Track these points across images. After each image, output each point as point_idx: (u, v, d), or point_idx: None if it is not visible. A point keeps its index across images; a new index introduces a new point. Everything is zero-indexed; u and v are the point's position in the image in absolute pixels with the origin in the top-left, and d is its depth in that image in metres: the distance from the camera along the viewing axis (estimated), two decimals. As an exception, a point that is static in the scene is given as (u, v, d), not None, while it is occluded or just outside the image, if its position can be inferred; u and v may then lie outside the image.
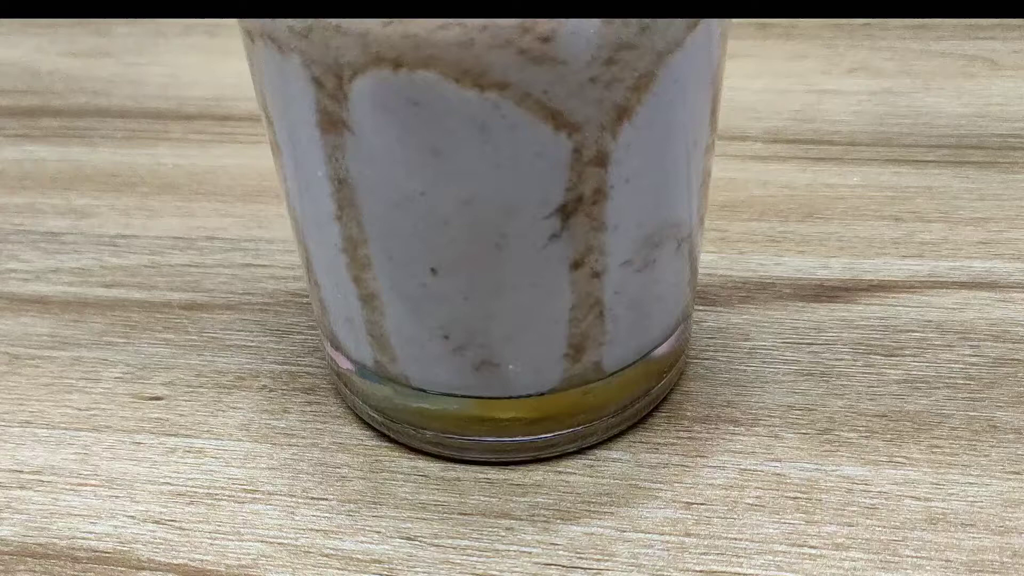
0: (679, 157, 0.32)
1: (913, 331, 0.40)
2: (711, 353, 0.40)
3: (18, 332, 0.43)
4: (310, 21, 0.27)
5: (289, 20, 0.28)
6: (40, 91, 0.62)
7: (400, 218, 0.30)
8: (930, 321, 0.41)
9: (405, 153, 0.29)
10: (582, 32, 0.27)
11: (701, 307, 0.42)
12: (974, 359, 0.39)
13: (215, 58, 0.63)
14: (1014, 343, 0.39)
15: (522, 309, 0.32)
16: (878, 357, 0.39)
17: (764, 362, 0.39)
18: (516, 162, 0.29)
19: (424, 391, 0.35)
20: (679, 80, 0.30)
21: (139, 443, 0.37)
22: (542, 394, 0.34)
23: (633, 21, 0.27)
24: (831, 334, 0.40)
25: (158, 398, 0.39)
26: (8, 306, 0.44)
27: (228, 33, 0.67)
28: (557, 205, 0.30)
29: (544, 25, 0.26)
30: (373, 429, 0.37)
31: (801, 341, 0.40)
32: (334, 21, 0.27)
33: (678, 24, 0.29)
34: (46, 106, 0.60)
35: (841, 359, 0.39)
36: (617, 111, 0.29)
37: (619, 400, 0.36)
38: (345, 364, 0.37)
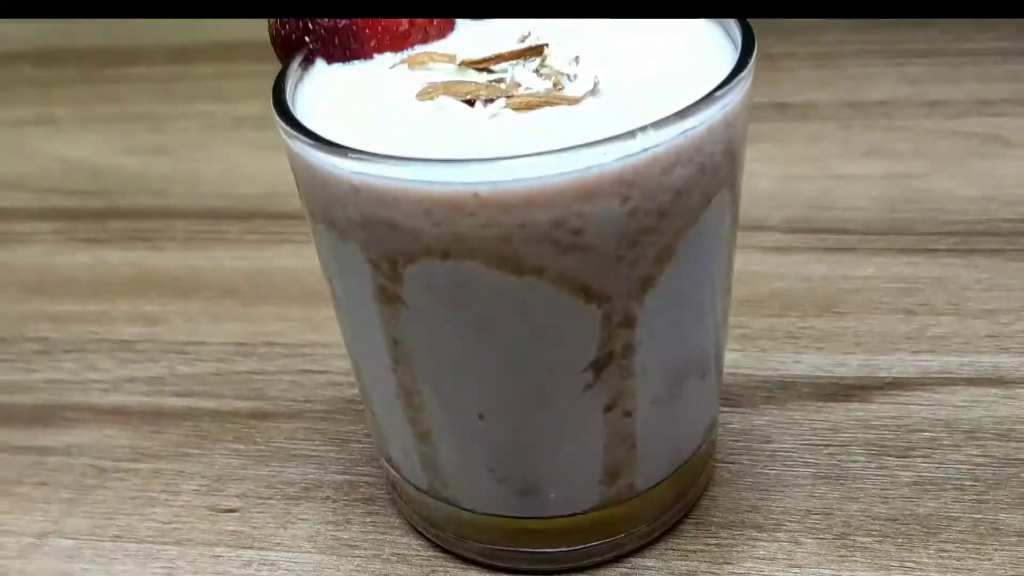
0: (700, 310, 0.35)
1: (924, 431, 0.43)
2: (736, 456, 0.43)
3: (103, 444, 0.47)
4: (367, 215, 0.31)
5: (349, 212, 0.32)
6: (105, 192, 0.66)
7: (450, 373, 0.34)
8: (940, 420, 0.44)
9: (454, 324, 0.33)
10: (608, 224, 0.30)
11: (727, 409, 0.45)
12: (980, 459, 0.42)
13: (265, 153, 0.67)
14: (1018, 442, 0.42)
15: (561, 447, 0.36)
16: (890, 458, 0.42)
17: (785, 465, 0.43)
18: (553, 329, 0.32)
19: (473, 511, 0.38)
20: (696, 250, 0.33)
21: (218, 556, 0.41)
22: (580, 514, 0.38)
23: (653, 208, 0.31)
24: (847, 435, 0.43)
25: (233, 510, 0.43)
26: (92, 417, 0.48)
27: (275, 126, 0.71)
28: (590, 361, 0.33)
29: (574, 220, 0.30)
30: (428, 539, 0.41)
31: (819, 443, 0.43)
32: (388, 218, 0.31)
33: (694, 205, 0.32)
34: (112, 207, 0.64)
35: (856, 460, 0.42)
36: (641, 282, 0.32)
37: (651, 512, 0.39)
38: (400, 481, 0.40)
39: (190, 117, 0.74)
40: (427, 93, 0.34)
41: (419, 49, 0.37)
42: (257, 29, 0.84)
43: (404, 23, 0.37)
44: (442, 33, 0.38)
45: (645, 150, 0.30)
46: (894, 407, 0.45)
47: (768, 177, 0.60)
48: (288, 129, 0.33)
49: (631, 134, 0.29)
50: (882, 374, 0.46)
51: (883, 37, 0.72)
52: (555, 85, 0.34)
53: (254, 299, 0.55)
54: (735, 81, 0.32)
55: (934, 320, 0.49)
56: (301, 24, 0.36)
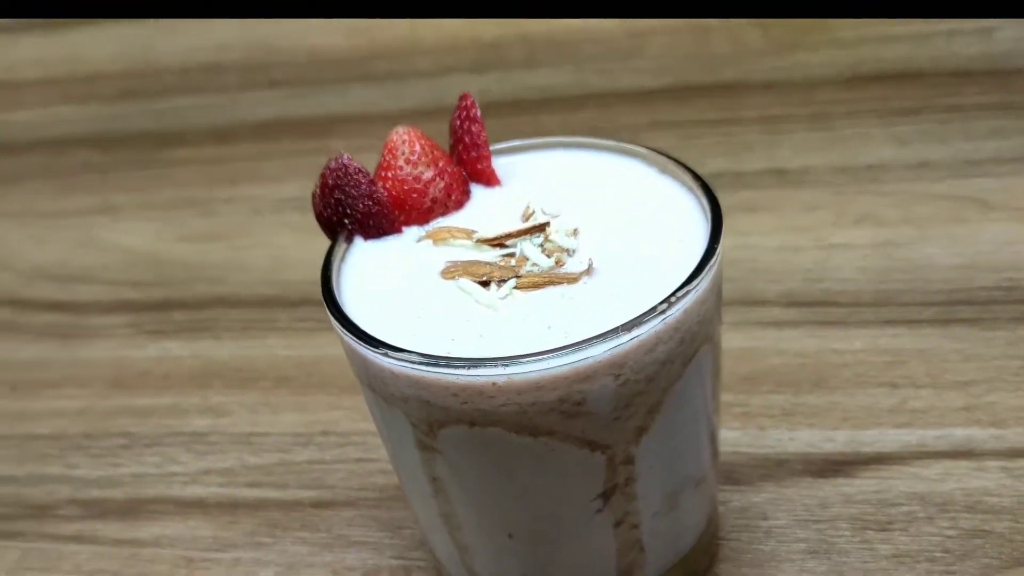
0: (689, 440, 0.42)
1: (901, 504, 0.49)
2: (736, 533, 0.50)
3: (188, 536, 0.54)
4: (405, 392, 0.38)
5: (389, 388, 0.38)
6: (166, 282, 0.73)
7: (481, 505, 0.41)
8: (916, 493, 0.50)
9: (482, 471, 0.39)
10: (605, 395, 0.37)
11: (728, 487, 0.52)
12: (950, 532, 0.48)
13: (307, 237, 0.73)
14: (984, 513, 0.48)
15: (580, 557, 0.42)
16: (871, 532, 0.48)
17: (779, 541, 0.49)
18: (565, 473, 0.39)
19: (509, 603, 0.45)
20: (682, 398, 0.39)
21: (295, 641, 0.48)
22: (600, 604, 0.45)
23: (641, 378, 0.37)
24: (833, 510, 0.50)
25: (304, 596, 0.50)
26: (177, 510, 0.56)
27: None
28: (598, 493, 0.40)
29: (576, 396, 0.36)
30: (472, 621, 0.48)
31: (809, 518, 0.49)
32: (423, 396, 0.37)
33: (676, 368, 0.38)
34: (173, 298, 0.71)
35: (841, 535, 0.48)
36: (637, 431, 0.39)
37: (662, 595, 0.46)
38: (446, 575, 0.47)
39: (236, 201, 0.80)
40: (450, 272, 0.40)
41: (441, 222, 0.43)
42: (293, 107, 0.90)
43: (427, 202, 0.43)
44: (459, 205, 0.44)
45: (631, 339, 0.36)
46: (876, 481, 0.51)
47: (766, 250, 0.66)
48: (334, 321, 0.39)
49: (617, 330, 0.35)
50: (866, 449, 0.52)
51: (874, 94, 0.77)
52: (557, 263, 0.40)
53: (307, 388, 0.62)
54: (705, 271, 0.37)
55: (914, 393, 0.55)
56: (340, 209, 0.43)
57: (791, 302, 0.62)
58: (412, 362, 0.36)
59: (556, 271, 0.40)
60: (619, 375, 0.37)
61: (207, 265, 0.74)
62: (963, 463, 0.51)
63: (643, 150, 0.45)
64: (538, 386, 0.36)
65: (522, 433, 0.37)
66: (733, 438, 0.54)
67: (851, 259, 0.64)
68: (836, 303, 0.61)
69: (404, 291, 0.40)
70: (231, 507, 0.55)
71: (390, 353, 0.37)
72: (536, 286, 0.39)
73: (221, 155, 0.87)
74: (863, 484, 0.51)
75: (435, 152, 0.44)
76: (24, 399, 0.65)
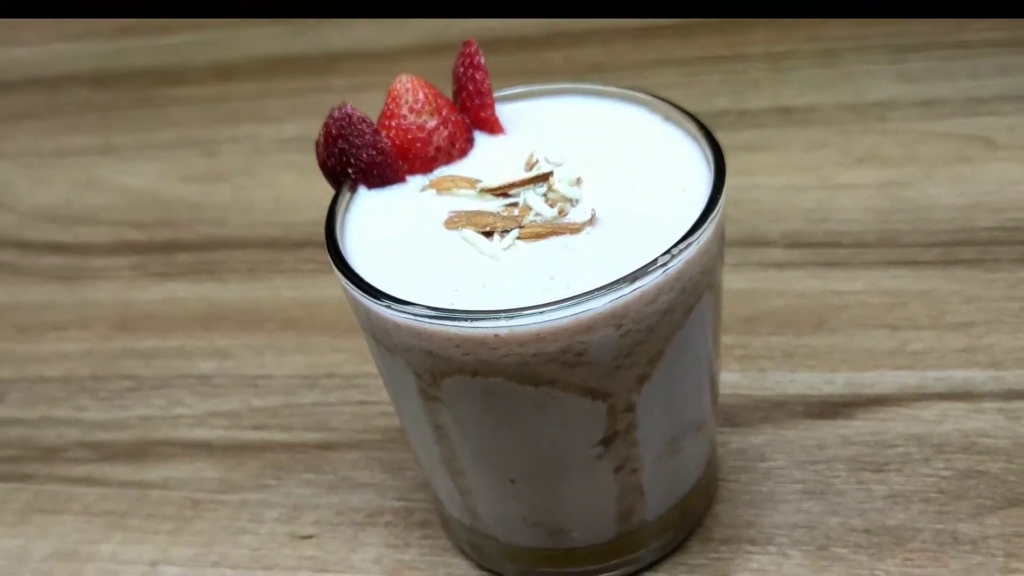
0: (690, 387, 0.42)
1: (898, 446, 0.50)
2: (735, 475, 0.50)
3: (195, 478, 0.55)
4: (407, 343, 0.38)
5: (392, 338, 0.38)
6: (170, 223, 0.73)
7: (484, 452, 0.42)
8: (913, 435, 0.50)
9: (484, 420, 0.40)
10: (606, 345, 0.37)
11: (727, 429, 0.52)
12: (946, 472, 0.48)
13: (309, 177, 0.73)
14: (979, 454, 0.49)
15: (580, 500, 0.43)
16: (867, 473, 0.49)
17: (777, 482, 0.50)
18: (566, 421, 0.39)
19: (510, 543, 0.46)
20: (683, 346, 0.40)
21: (301, 580, 0.50)
22: (601, 543, 0.46)
23: (643, 328, 0.37)
24: (831, 451, 0.50)
25: (309, 536, 0.51)
26: (184, 452, 0.57)
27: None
28: (599, 439, 0.40)
29: (577, 347, 0.37)
30: (474, 561, 0.49)
31: (806, 460, 0.50)
32: (425, 347, 0.37)
33: (678, 317, 0.38)
34: (178, 240, 0.72)
35: (838, 476, 0.49)
36: (638, 379, 0.39)
37: (661, 534, 0.47)
38: (447, 513, 0.48)
39: (238, 140, 0.80)
40: (453, 223, 0.41)
41: (445, 171, 0.43)
42: (293, 43, 0.89)
43: (431, 151, 0.43)
44: (463, 153, 0.44)
45: (632, 291, 0.36)
46: (874, 423, 0.51)
47: (770, 189, 0.65)
48: (339, 273, 0.39)
49: (619, 282, 0.35)
50: (865, 391, 0.53)
51: (883, 31, 0.76)
52: (560, 213, 0.40)
53: (311, 330, 0.63)
54: (707, 222, 0.37)
55: (915, 335, 0.55)
56: (344, 159, 0.42)
57: (793, 243, 0.62)
58: (415, 314, 0.36)
59: (559, 221, 0.40)
60: (620, 326, 0.37)
61: (210, 206, 0.74)
62: (961, 405, 0.51)
63: (647, 97, 0.44)
64: (539, 337, 0.36)
65: (524, 383, 0.38)
66: (733, 380, 0.54)
67: (855, 199, 0.64)
68: (839, 244, 0.61)
69: (408, 241, 0.40)
70: (237, 449, 0.56)
71: (393, 305, 0.37)
72: (539, 236, 0.39)
73: (222, 93, 0.86)
74: (861, 426, 0.51)
75: (439, 100, 0.43)
76: (31, 342, 0.66)
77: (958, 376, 0.53)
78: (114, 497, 0.55)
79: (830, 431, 0.51)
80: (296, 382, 0.60)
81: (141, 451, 0.57)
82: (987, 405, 0.51)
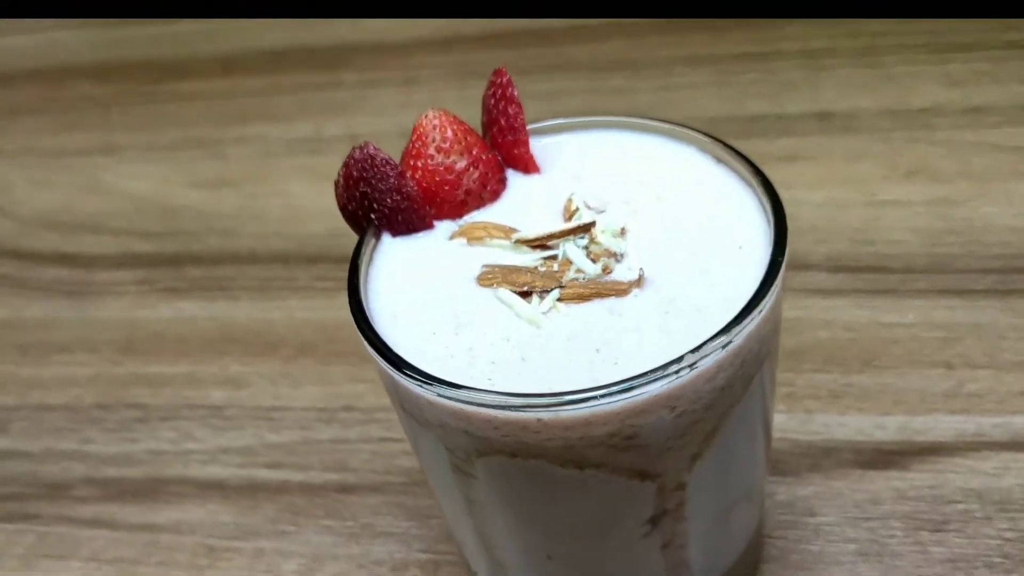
0: (745, 458, 0.39)
1: (957, 502, 0.47)
2: (783, 531, 0.47)
3: (208, 521, 0.52)
4: (442, 420, 0.35)
5: (425, 413, 0.35)
6: (177, 232, 0.70)
7: (520, 528, 0.38)
8: (973, 489, 0.47)
9: (522, 498, 0.37)
10: (659, 427, 0.34)
11: (774, 478, 0.49)
12: (1009, 534, 0.45)
13: (321, 184, 0.70)
14: (1046, 512, 0.46)
15: (623, 576, 0.40)
16: (925, 533, 0.46)
17: (828, 541, 0.46)
18: (612, 501, 0.36)
19: (546, 611, 0.43)
20: (740, 420, 0.36)
21: (323, 640, 0.47)
22: (642, 614, 0.43)
23: (699, 407, 0.34)
24: (886, 507, 0.47)
25: (330, 591, 0.48)
26: (196, 492, 0.54)
27: (328, 149, 0.74)
28: (647, 519, 0.37)
29: (628, 430, 0.33)
30: (506, 622, 0.46)
31: (859, 516, 0.47)
32: (461, 426, 0.34)
33: (737, 391, 0.35)
34: (186, 252, 0.68)
35: (894, 535, 0.46)
36: (690, 458, 0.36)
37: (707, 600, 0.44)
38: None
39: (246, 141, 0.76)
40: (488, 279, 0.37)
41: (476, 216, 0.40)
42: (301, 35, 0.85)
43: (461, 194, 0.39)
44: (495, 196, 0.40)
45: (690, 370, 0.33)
46: (930, 475, 0.48)
47: (811, 206, 0.62)
48: (366, 343, 0.36)
49: (676, 363, 0.32)
50: (919, 438, 0.49)
51: (925, 28, 0.71)
52: (604, 269, 0.37)
53: (328, 357, 0.59)
54: (771, 289, 0.34)
55: (970, 375, 0.52)
56: (366, 203, 0.39)
57: (838, 266, 0.58)
58: (451, 397, 0.33)
59: (603, 280, 0.36)
60: (675, 407, 0.33)
61: (219, 215, 0.70)
62: (1023, 456, 0.48)
63: (697, 135, 0.41)
64: (587, 422, 0.33)
65: (567, 465, 0.34)
66: (779, 422, 0.51)
67: (903, 218, 0.60)
68: (887, 268, 0.58)
69: (438, 300, 0.37)
70: (251, 490, 0.53)
71: (428, 383, 0.33)
72: (582, 298, 0.36)
73: (228, 88, 0.82)
74: (916, 478, 0.48)
75: (468, 138, 0.40)
76: (34, 365, 0.63)
77: (1019, 423, 0.49)
78: (124, 542, 0.52)
79: (883, 483, 0.48)
80: (312, 415, 0.56)
81: (151, 490, 0.54)
82: (1052, 455, 0.48)
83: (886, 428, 0.50)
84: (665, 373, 0.32)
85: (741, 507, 0.41)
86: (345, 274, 0.38)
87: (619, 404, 0.33)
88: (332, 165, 0.75)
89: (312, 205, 0.69)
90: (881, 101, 0.68)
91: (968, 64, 0.69)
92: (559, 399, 0.32)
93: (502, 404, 0.33)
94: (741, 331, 0.33)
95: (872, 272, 0.58)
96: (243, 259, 0.67)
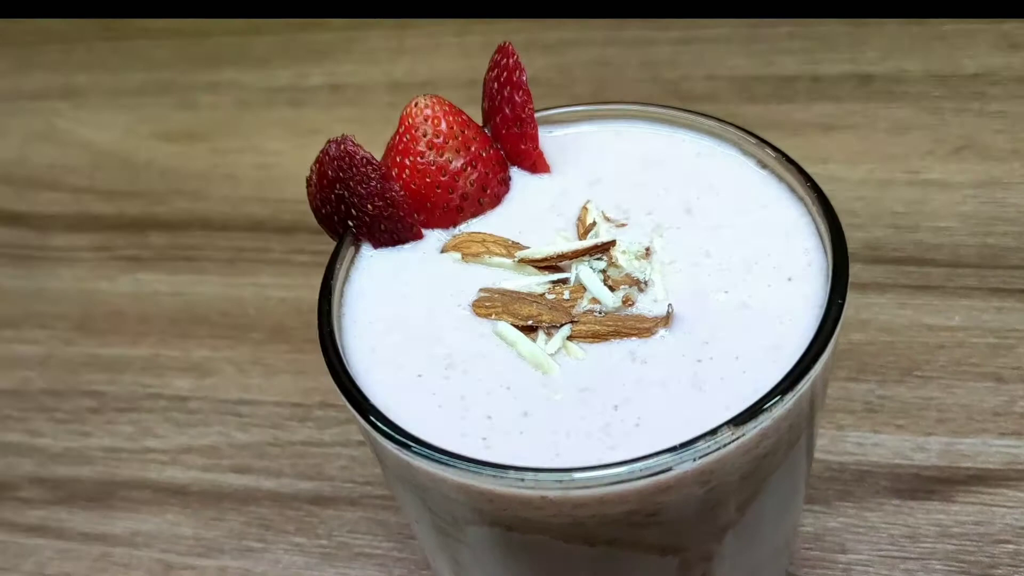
0: (779, 520, 0.33)
1: (1007, 542, 0.41)
2: (808, 569, 0.42)
3: (167, 533, 0.47)
4: (429, 487, 0.29)
5: (409, 477, 0.29)
6: (141, 193, 0.63)
7: (516, 593, 0.33)
8: (1025, 527, 0.42)
9: (519, 571, 0.31)
10: (687, 504, 0.28)
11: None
12: (1066, 582, 0.40)
13: (301, 139, 0.63)
14: (1109, 559, 0.41)
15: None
16: (971, 577, 0.41)
17: (860, 582, 0.41)
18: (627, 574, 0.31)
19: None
20: (779, 483, 0.31)
21: None
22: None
23: (734, 479, 0.28)
24: (926, 545, 0.42)
25: (301, 621, 0.43)
26: (154, 499, 0.48)
27: (310, 101, 0.66)
28: (665, 591, 0.32)
29: (650, 508, 0.28)
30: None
31: (896, 554, 0.42)
32: (452, 492, 0.28)
33: (777, 460, 0.29)
34: (150, 215, 0.61)
35: (935, 578, 0.41)
36: (720, 530, 0.30)
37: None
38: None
39: (221, 89, 0.69)
40: (485, 307, 0.31)
41: (473, 224, 0.33)
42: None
43: (455, 199, 0.33)
44: (496, 200, 0.34)
45: (729, 443, 0.27)
46: (977, 508, 0.43)
47: (848, 183, 0.55)
48: (340, 393, 0.30)
49: (712, 435, 0.26)
50: (965, 463, 0.44)
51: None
52: (625, 301, 0.30)
53: (304, 344, 0.53)
54: (831, 342, 0.28)
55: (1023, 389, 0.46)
56: (342, 207, 0.33)
57: (877, 257, 0.52)
58: (438, 462, 0.27)
59: (624, 315, 0.30)
60: (707, 482, 0.28)
61: (186, 174, 0.63)
62: (1083, 489, 0.43)
63: (736, 133, 0.34)
64: (601, 501, 0.27)
65: (574, 541, 0.29)
66: (806, 439, 0.46)
67: (950, 202, 0.54)
68: (931, 261, 0.51)
69: (426, 332, 0.31)
70: (215, 498, 0.48)
71: (413, 446, 0.28)
72: (597, 337, 0.30)
73: (201, 27, 0.74)
74: (961, 511, 0.43)
75: (466, 132, 0.33)
76: (-23, 341, 0.57)
77: (1079, 448, 0.44)
78: (73, 554, 0.47)
79: (923, 516, 0.43)
80: (285, 412, 0.51)
81: (105, 494, 0.49)
82: (1115, 491, 0.43)
83: (927, 450, 0.45)
84: (697, 447, 0.26)
85: (770, 563, 0.36)
86: (325, 246, 0.32)
87: (640, 483, 0.27)
88: (313, 120, 0.68)
89: (290, 165, 0.62)
90: (929, 64, 0.61)
91: (1026, 23, 0.62)
92: (568, 476, 0.26)
93: (499, 477, 0.27)
94: (795, 394, 0.27)
95: (915, 265, 0.51)
96: (212, 225, 0.60)
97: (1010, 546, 0.41)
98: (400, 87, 0.67)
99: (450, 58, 0.68)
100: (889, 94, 0.60)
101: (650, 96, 0.63)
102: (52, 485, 0.50)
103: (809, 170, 0.59)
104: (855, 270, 0.51)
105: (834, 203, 0.54)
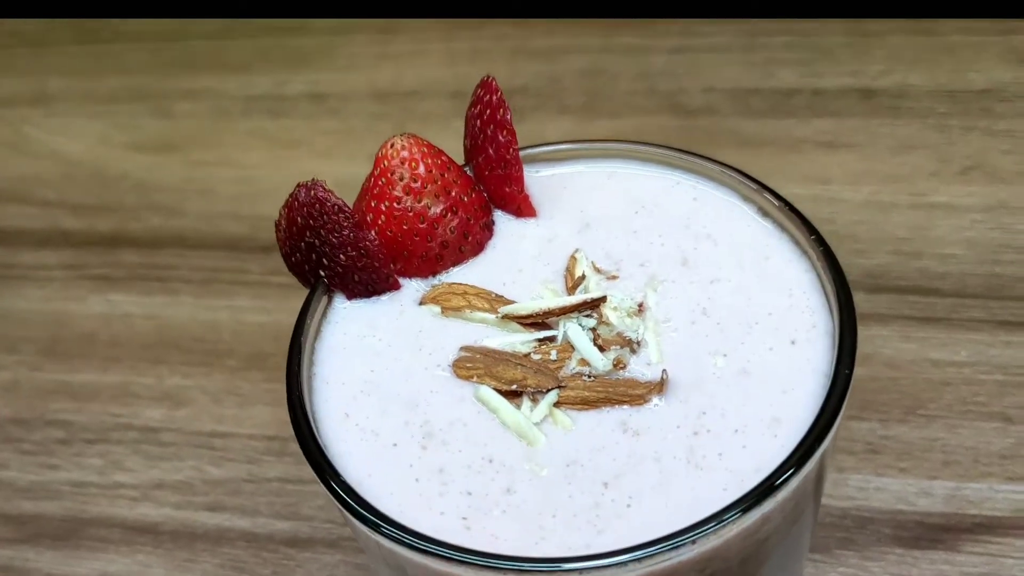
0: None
1: (1016, 596, 0.40)
2: (807, 626, 0.40)
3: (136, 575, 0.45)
4: (403, 563, 0.27)
5: (376, 552, 0.27)
6: (113, 207, 0.60)
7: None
8: (1034, 579, 0.40)
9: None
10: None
11: (797, 552, 0.42)
12: (1077, 640, 0.38)
13: (281, 151, 0.61)
14: (1121, 616, 0.39)
15: None
16: (979, 637, 0.39)
17: (861, 641, 0.40)
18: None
19: None
20: (779, 564, 0.29)
21: None
22: None
23: (734, 563, 0.26)
24: (931, 601, 0.40)
25: (276, 675, 0.41)
26: (122, 537, 0.46)
27: (290, 111, 0.64)
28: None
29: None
30: None
31: (900, 612, 0.40)
32: (431, 573, 0.26)
33: (780, 535, 0.27)
34: (122, 232, 0.59)
35: (941, 638, 0.39)
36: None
37: None
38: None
39: (197, 96, 0.66)
40: (466, 369, 0.29)
41: (454, 273, 0.31)
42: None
43: (435, 247, 0.31)
44: (478, 248, 0.32)
45: (729, 528, 0.25)
46: (983, 560, 0.41)
47: (850, 205, 0.53)
48: (310, 466, 0.28)
49: (712, 521, 0.24)
50: (971, 511, 0.42)
51: (990, -10, 0.62)
52: (616, 364, 0.28)
53: (281, 372, 0.51)
54: (838, 417, 0.26)
55: (1032, 431, 0.44)
56: (313, 256, 0.30)
57: (879, 286, 0.50)
58: (412, 547, 0.25)
59: (615, 379, 0.28)
60: (705, 569, 0.26)
61: (161, 187, 0.61)
62: (1095, 538, 0.41)
63: (735, 177, 0.32)
64: (591, 593, 0.25)
65: (562, 629, 0.27)
66: (805, 481, 0.44)
67: (956, 226, 0.52)
68: (937, 291, 0.49)
69: (403, 397, 0.29)
70: (188, 538, 0.46)
71: (385, 528, 0.25)
72: (587, 404, 0.28)
73: (177, 29, 0.71)
74: (966, 561, 0.41)
75: (446, 175, 0.31)
76: (-59, 365, 0.54)
77: (1090, 495, 0.42)
78: (37, 598, 0.45)
79: (928, 567, 0.41)
80: (261, 446, 0.48)
81: (73, 532, 0.47)
82: None
83: (932, 496, 0.43)
84: (694, 534, 0.24)
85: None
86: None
87: (633, 573, 0.25)
88: (295, 130, 0.66)
89: (268, 179, 0.60)
90: (936, 78, 0.59)
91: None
92: (554, 567, 0.24)
93: (481, 563, 0.25)
94: (800, 475, 0.25)
95: (919, 294, 0.49)
96: (187, 243, 0.58)
97: (1019, 600, 0.40)
98: (385, 96, 0.64)
99: (436, 65, 0.66)
100: (893, 110, 0.58)
101: (645, 109, 0.61)
102: (18, 522, 0.47)
103: (808, 191, 0.57)
104: (857, 300, 0.49)
105: (835, 227, 0.53)
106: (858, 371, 0.47)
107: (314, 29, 0.69)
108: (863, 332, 0.48)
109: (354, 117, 0.64)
